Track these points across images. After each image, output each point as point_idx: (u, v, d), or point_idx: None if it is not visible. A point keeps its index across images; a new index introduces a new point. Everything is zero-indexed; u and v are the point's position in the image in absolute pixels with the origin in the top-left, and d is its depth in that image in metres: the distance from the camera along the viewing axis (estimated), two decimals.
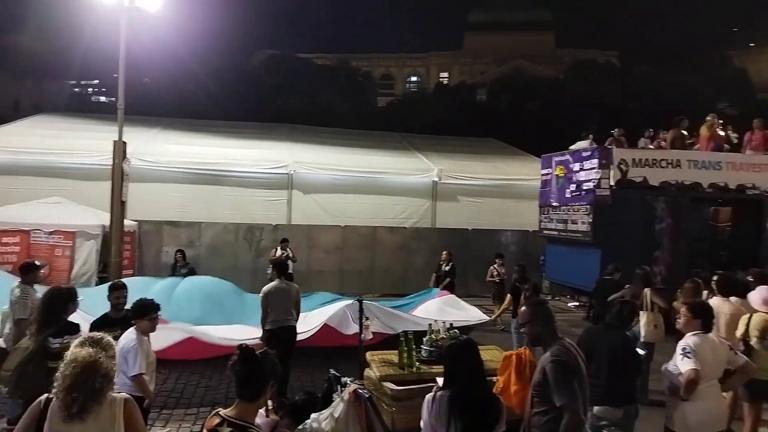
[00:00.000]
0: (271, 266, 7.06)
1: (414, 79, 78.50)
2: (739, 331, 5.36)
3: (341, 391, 4.03)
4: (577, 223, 11.78)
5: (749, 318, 5.34)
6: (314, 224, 15.66)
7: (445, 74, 73.07)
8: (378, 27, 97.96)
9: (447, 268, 11.87)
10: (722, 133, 12.88)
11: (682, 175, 11.68)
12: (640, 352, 6.30)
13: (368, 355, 4.99)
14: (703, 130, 12.64)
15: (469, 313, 8.93)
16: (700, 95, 31.83)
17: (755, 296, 5.49)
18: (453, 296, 9.64)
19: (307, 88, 33.15)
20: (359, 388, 3.94)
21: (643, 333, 6.96)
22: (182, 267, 11.65)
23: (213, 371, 7.60)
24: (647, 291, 7.20)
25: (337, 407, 3.73)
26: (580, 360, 3.37)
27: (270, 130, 20.58)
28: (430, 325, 5.19)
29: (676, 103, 25.86)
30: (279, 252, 12.33)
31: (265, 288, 6.74)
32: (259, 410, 2.86)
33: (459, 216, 16.83)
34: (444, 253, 12.22)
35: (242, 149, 16.90)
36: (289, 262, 11.24)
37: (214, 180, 15.31)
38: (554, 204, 12.90)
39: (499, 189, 17.16)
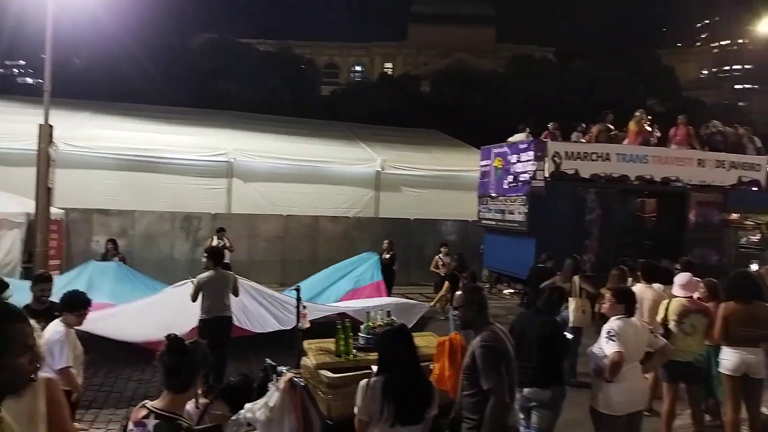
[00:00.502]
0: (205, 255, 6.87)
1: (358, 68, 78.36)
2: (659, 316, 5.66)
3: (277, 381, 4.00)
4: (513, 214, 12.09)
5: (668, 303, 5.66)
6: (255, 213, 15.40)
7: (389, 65, 73.39)
8: (322, 14, 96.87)
9: (387, 256, 11.97)
10: (649, 129, 13.50)
11: (611, 168, 12.15)
12: (569, 336, 6.57)
13: (305, 343, 4.98)
14: (632, 126, 13.19)
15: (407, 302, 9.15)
16: (631, 92, 33.29)
17: (675, 282, 5.83)
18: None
19: (248, 75, 32.42)
20: (295, 377, 3.93)
21: (571, 318, 7.25)
22: (113, 257, 11.20)
23: (146, 364, 7.35)
24: (576, 278, 7.52)
25: (272, 396, 3.70)
26: (508, 345, 3.49)
27: (209, 117, 20.05)
28: (368, 313, 5.23)
29: (608, 98, 26.96)
30: (216, 242, 12.05)
31: (200, 276, 6.58)
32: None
33: (401, 206, 16.96)
34: (385, 242, 12.32)
35: (180, 135, 16.36)
36: (226, 252, 11.03)
37: (149, 167, 14.75)
38: (493, 195, 13.18)
39: (441, 180, 17.40)
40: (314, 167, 16.34)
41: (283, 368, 4.09)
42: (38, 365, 1.77)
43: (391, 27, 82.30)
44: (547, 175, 11.67)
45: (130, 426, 2.46)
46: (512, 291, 14.50)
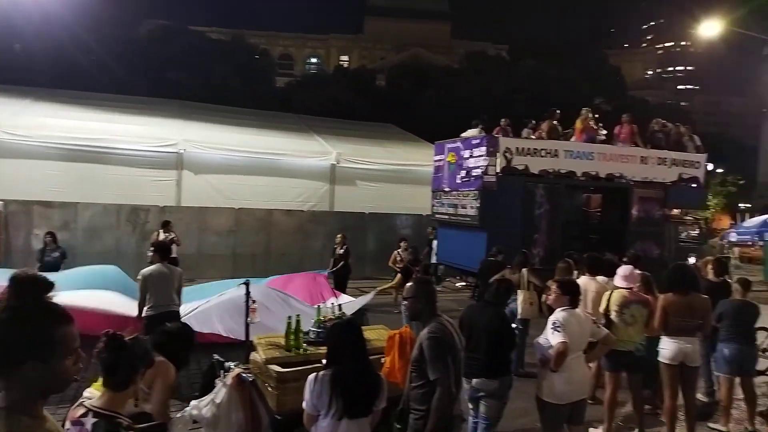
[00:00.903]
0: (152, 249, 6.67)
1: (314, 60, 77.72)
2: (602, 307, 5.85)
3: (225, 376, 3.94)
4: (466, 208, 12.24)
5: (610, 294, 5.85)
6: (206, 206, 15.07)
7: (345, 57, 73.06)
8: (277, 5, 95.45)
9: (341, 251, 11.93)
10: (594, 126, 13.90)
11: (559, 164, 12.43)
12: (515, 326, 6.71)
13: (255, 338, 4.91)
14: (578, 123, 13.55)
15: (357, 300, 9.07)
16: (579, 90, 34.22)
17: (617, 273, 6.03)
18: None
19: (200, 64, 31.62)
20: (243, 372, 3.87)
21: (519, 310, 7.43)
22: (52, 251, 10.63)
23: (88, 362, 7.07)
24: (524, 271, 7.70)
25: (219, 392, 3.64)
26: (456, 337, 3.55)
27: (158, 106, 19.44)
28: (318, 306, 5.19)
29: (557, 96, 27.63)
30: (162, 235, 11.69)
31: (145, 271, 6.37)
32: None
33: (356, 200, 16.94)
34: (338, 236, 12.27)
35: (127, 125, 15.78)
36: (173, 246, 10.75)
37: (94, 157, 14.19)
38: (446, 189, 13.31)
39: (396, 174, 17.47)
40: (268, 159, 16.10)
41: (231, 364, 4.03)
42: (81, 366, 1.73)
43: (347, 19, 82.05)
44: (498, 170, 11.86)
45: (68, 425, 2.37)
46: (464, 283, 14.72)
